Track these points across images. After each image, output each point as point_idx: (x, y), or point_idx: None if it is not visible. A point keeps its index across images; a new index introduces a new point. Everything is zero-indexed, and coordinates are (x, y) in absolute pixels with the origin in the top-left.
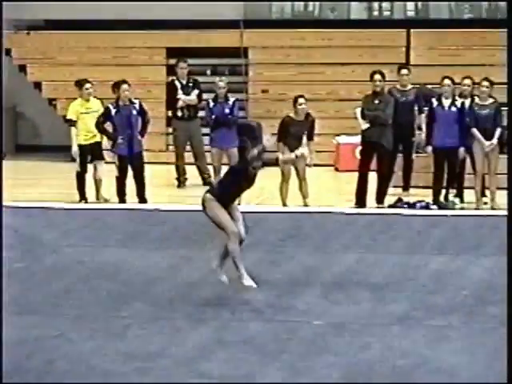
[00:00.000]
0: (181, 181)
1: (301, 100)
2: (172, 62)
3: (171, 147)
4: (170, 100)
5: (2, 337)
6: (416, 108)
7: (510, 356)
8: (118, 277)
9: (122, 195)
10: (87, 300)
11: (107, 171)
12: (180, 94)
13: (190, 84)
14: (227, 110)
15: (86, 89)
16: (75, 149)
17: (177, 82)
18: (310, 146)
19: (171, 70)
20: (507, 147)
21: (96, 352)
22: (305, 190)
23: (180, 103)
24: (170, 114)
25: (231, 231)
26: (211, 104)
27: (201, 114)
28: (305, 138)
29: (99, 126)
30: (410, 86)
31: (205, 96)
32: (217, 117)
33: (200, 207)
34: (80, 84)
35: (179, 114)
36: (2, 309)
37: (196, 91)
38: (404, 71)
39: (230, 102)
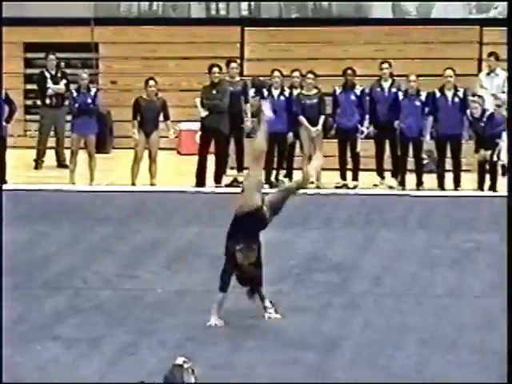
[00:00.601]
0: (38, 163)
1: (151, 82)
2: (29, 55)
3: (29, 133)
4: (39, 89)
5: (2, 338)
6: (243, 98)
7: (509, 355)
8: None
9: None
10: None
11: None
12: (49, 84)
13: (59, 75)
14: (89, 100)
15: None
16: None
17: (46, 73)
18: (167, 125)
19: (28, 63)
20: (507, 142)
21: None
22: (154, 170)
23: (49, 91)
24: (39, 101)
25: None
26: (74, 94)
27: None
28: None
29: None
30: (237, 78)
31: None
32: (80, 105)
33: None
34: None
35: (48, 101)
36: (2, 310)
37: (64, 81)
38: (233, 65)
39: (92, 93)
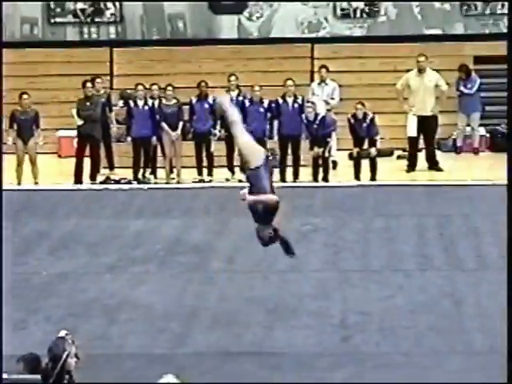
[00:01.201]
0: None
1: (24, 96)
2: None
3: None
4: None
5: (3, 339)
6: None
7: (509, 355)
8: None
9: None
10: None
11: None
12: None
13: None
14: None
15: None
16: None
17: None
18: (38, 133)
19: None
20: (507, 145)
21: None
22: (35, 172)
23: None
24: None
25: None
26: None
27: None
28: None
29: None
30: (102, 91)
31: None
32: None
33: None
34: None
35: None
36: (2, 310)
37: None
38: (97, 80)
39: None
